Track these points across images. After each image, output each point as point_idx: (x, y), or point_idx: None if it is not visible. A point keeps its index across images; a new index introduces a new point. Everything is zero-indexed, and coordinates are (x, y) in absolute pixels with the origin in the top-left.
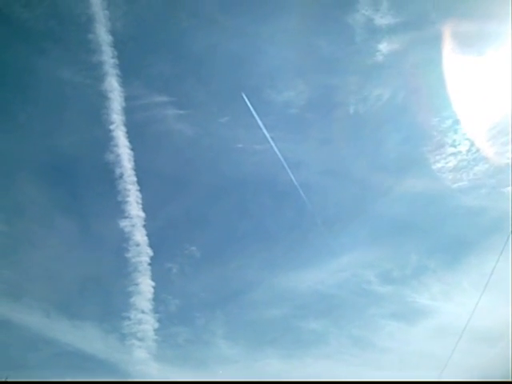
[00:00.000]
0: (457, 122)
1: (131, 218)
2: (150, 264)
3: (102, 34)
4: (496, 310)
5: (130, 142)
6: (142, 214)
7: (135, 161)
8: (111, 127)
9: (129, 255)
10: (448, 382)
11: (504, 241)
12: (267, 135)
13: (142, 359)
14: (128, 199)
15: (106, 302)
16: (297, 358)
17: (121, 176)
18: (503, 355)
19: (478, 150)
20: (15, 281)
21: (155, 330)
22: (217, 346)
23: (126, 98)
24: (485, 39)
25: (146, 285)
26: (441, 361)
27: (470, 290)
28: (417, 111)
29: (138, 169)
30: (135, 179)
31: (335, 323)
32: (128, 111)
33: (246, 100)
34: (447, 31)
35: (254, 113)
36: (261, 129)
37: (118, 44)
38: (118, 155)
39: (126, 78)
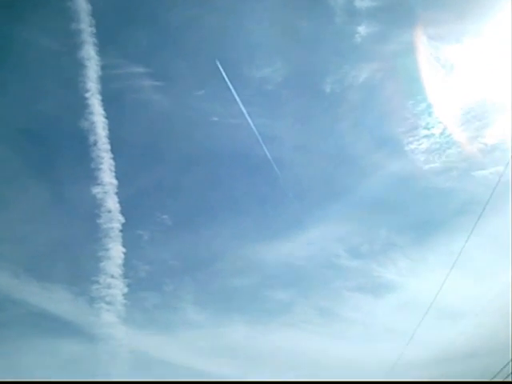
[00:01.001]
0: (431, 105)
1: (104, 185)
2: (121, 230)
3: (81, 2)
4: (461, 288)
5: (105, 110)
6: (115, 182)
7: (110, 129)
8: (87, 95)
9: (100, 221)
10: (448, 381)
11: (473, 222)
12: (243, 109)
13: (110, 322)
14: (101, 166)
15: (75, 265)
16: (262, 325)
17: (95, 143)
18: (466, 332)
19: (451, 134)
20: None
21: (124, 295)
22: (184, 312)
23: (103, 67)
24: (463, 26)
25: (116, 250)
26: (405, 334)
27: (437, 268)
28: (392, 93)
29: (113, 137)
30: (109, 147)
31: (302, 294)
32: (104, 80)
33: (224, 74)
34: (426, 17)
35: (230, 87)
36: (237, 103)
37: (97, 13)
38: (92, 123)
39: (103, 47)
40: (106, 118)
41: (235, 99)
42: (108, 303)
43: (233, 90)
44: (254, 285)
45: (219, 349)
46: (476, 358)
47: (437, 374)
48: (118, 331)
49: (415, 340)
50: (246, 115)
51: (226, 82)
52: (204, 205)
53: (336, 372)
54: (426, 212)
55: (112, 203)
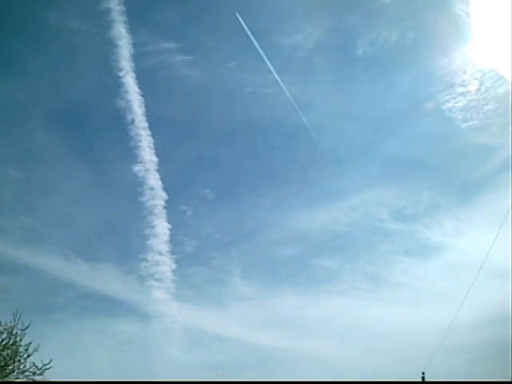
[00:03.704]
0: (466, 62)
1: (144, 162)
2: (164, 207)
3: None
4: (509, 246)
5: (139, 88)
6: (155, 159)
7: (146, 106)
8: (120, 74)
9: (143, 199)
10: (448, 382)
11: None
12: (277, 78)
13: (160, 299)
14: (140, 144)
15: (123, 244)
16: (312, 295)
17: (132, 122)
18: None
19: (487, 90)
20: (34, 227)
21: (173, 271)
22: (233, 285)
23: (134, 45)
24: None
25: (161, 227)
26: (455, 296)
27: (482, 227)
28: (425, 52)
29: (149, 114)
30: (147, 124)
31: (349, 260)
32: (137, 58)
33: (255, 43)
34: None
35: (263, 55)
36: (270, 72)
37: None
38: (128, 101)
39: (133, 25)
40: (142, 95)
41: (268, 68)
42: (158, 280)
43: (265, 59)
44: (300, 254)
45: (270, 320)
46: None
47: (490, 335)
48: (169, 308)
49: (466, 301)
50: (280, 83)
51: (257, 52)
52: (244, 176)
53: (388, 338)
54: (467, 171)
55: (154, 180)
